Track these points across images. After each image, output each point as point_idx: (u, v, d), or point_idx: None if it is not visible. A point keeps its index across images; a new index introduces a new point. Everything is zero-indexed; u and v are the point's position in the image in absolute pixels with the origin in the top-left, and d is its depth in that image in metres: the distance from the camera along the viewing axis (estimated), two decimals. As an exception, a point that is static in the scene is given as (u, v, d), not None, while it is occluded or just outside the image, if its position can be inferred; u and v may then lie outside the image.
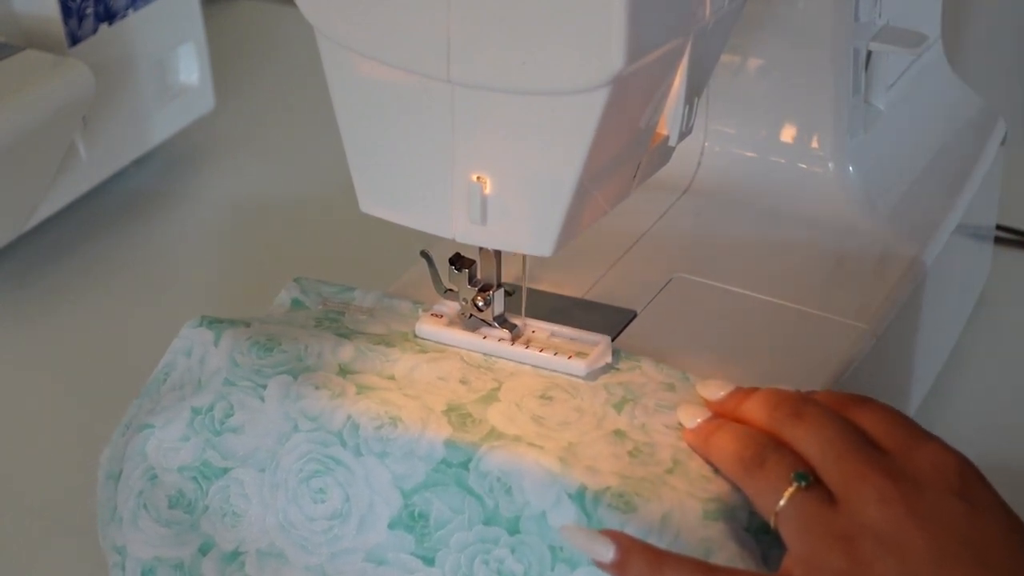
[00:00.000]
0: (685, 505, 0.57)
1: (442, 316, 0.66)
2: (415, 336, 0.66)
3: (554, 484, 0.58)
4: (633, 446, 0.60)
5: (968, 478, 0.55)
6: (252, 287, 0.91)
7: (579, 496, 0.57)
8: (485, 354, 0.65)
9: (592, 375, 0.64)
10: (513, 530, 0.58)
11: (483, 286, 0.65)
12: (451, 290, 0.66)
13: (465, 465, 0.59)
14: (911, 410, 0.78)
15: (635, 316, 0.69)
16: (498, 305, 0.65)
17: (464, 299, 0.66)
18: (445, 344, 0.66)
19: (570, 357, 0.64)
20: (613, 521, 0.56)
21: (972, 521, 0.53)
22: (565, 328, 0.66)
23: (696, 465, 0.59)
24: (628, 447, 0.59)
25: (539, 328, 0.66)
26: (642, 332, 0.68)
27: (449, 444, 0.59)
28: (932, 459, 0.55)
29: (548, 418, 0.61)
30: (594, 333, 0.65)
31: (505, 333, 0.65)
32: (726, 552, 0.56)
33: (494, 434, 0.60)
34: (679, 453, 0.59)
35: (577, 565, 0.57)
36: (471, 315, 0.66)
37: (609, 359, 0.64)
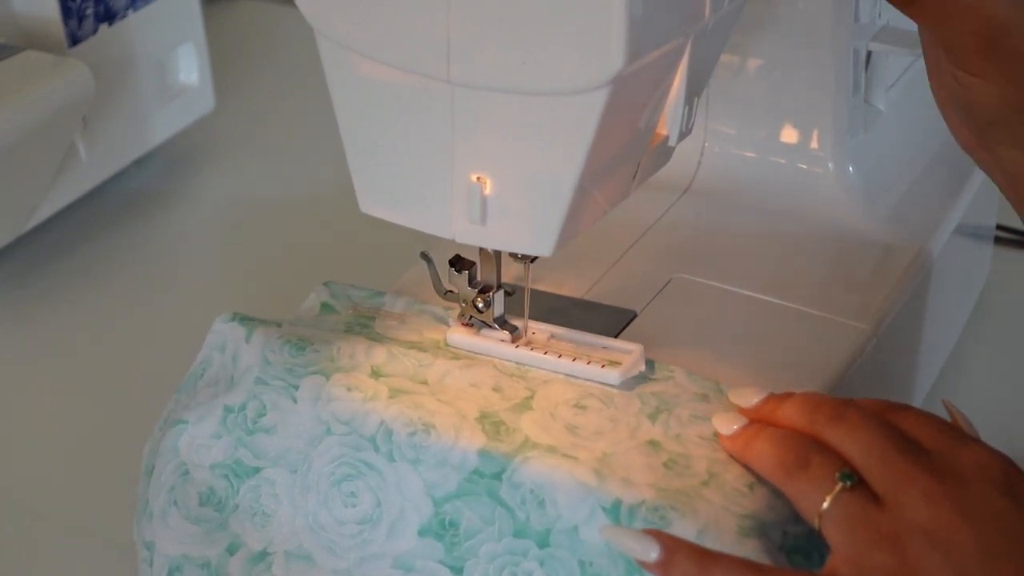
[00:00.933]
0: (720, 520, 0.56)
1: (473, 325, 0.66)
2: (447, 344, 0.66)
3: (588, 497, 0.57)
4: (668, 457, 0.59)
5: (1013, 477, 0.55)
6: (252, 287, 0.91)
7: (614, 509, 0.57)
8: (518, 363, 0.65)
9: (626, 384, 0.63)
10: (543, 543, 0.58)
11: (483, 287, 0.65)
12: (451, 291, 0.66)
13: (498, 476, 0.59)
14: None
15: (635, 316, 0.69)
16: (498, 306, 0.65)
17: (464, 300, 0.65)
18: (477, 353, 0.65)
19: (603, 366, 0.63)
20: None
21: (1018, 518, 0.53)
22: (566, 330, 0.66)
23: (731, 477, 0.58)
24: (663, 458, 0.59)
25: (539, 329, 0.66)
26: (642, 332, 0.68)
27: (483, 454, 0.59)
28: (976, 459, 0.55)
29: (582, 427, 0.60)
30: (627, 342, 0.65)
31: (505, 334, 0.65)
32: None
33: (528, 444, 0.59)
34: (714, 465, 0.59)
35: None
36: (471, 316, 0.65)
37: (643, 368, 0.64)
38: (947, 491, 0.54)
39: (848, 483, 0.55)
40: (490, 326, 0.65)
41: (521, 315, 0.66)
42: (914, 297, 0.73)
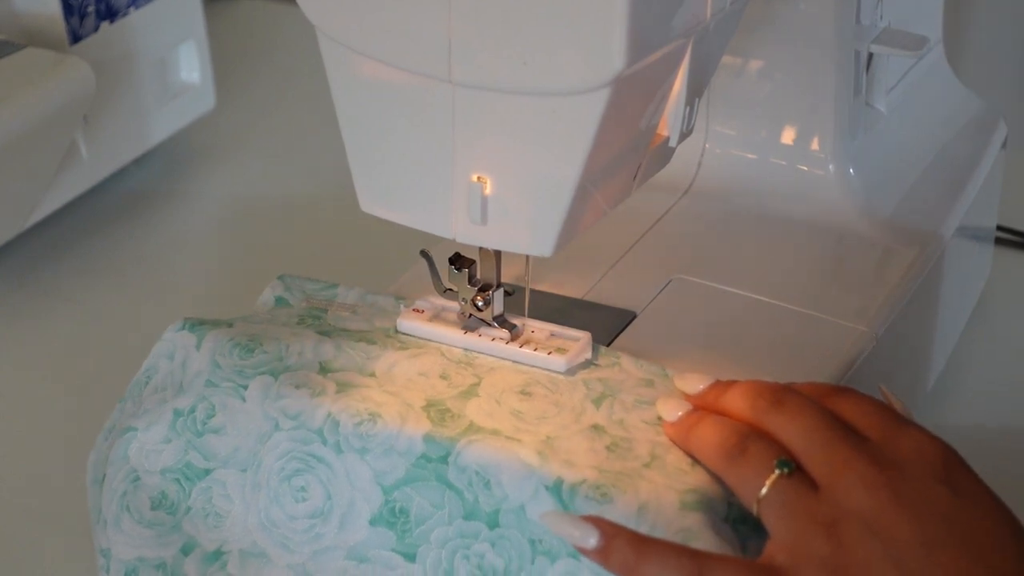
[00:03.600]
0: (662, 496, 0.57)
1: (423, 311, 0.66)
2: (396, 332, 0.66)
3: (531, 477, 0.58)
4: (611, 441, 0.60)
5: (951, 464, 0.55)
6: (252, 286, 0.90)
7: (556, 488, 0.57)
8: (466, 349, 0.65)
9: (572, 371, 0.64)
10: (493, 524, 0.58)
11: (483, 286, 0.65)
12: (451, 290, 0.66)
13: (444, 459, 0.59)
14: (912, 410, 0.78)
15: (634, 317, 0.69)
16: (498, 305, 0.65)
17: (464, 299, 0.65)
18: (426, 340, 0.66)
19: (550, 353, 0.64)
20: (590, 512, 0.57)
21: (956, 506, 0.53)
22: (567, 329, 0.66)
23: (674, 459, 0.59)
24: (606, 442, 0.60)
25: (539, 328, 0.66)
26: (641, 333, 0.68)
27: (428, 439, 0.60)
28: (915, 446, 0.55)
29: (527, 413, 0.61)
30: (575, 330, 0.65)
31: (504, 333, 0.65)
32: (703, 542, 0.56)
33: (472, 428, 0.60)
34: (657, 448, 0.59)
35: (557, 558, 0.57)
36: (471, 315, 0.65)
37: (589, 355, 0.64)
38: (885, 478, 0.54)
39: (785, 470, 0.55)
40: (489, 324, 0.65)
41: (521, 315, 0.66)
42: (914, 299, 0.73)
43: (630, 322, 0.69)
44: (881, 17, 0.78)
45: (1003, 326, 0.88)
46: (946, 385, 0.82)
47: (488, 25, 0.55)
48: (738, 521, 0.57)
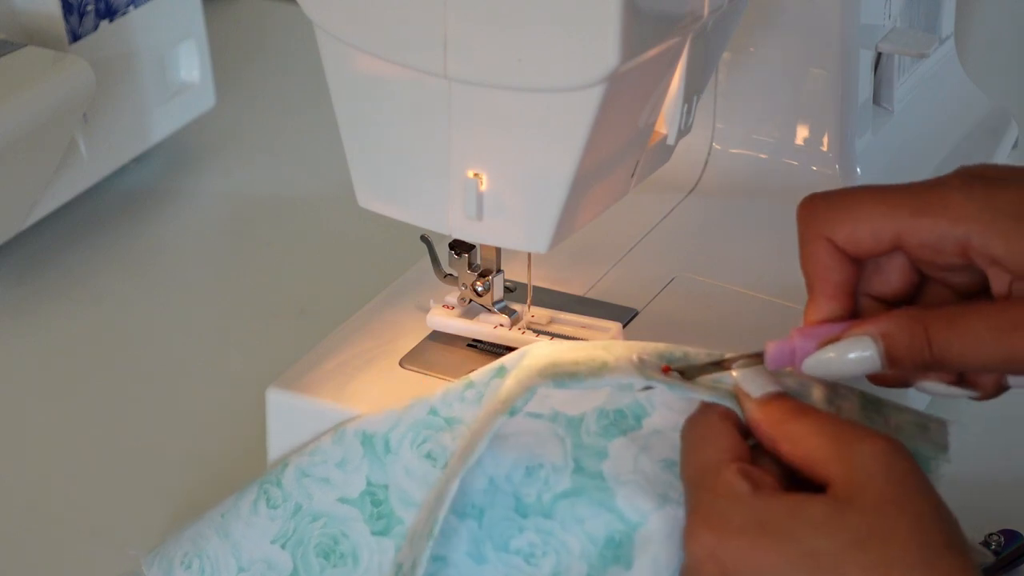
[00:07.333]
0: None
1: (453, 307, 0.66)
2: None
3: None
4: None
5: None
6: (252, 285, 0.91)
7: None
8: (494, 344, 0.65)
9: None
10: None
11: (483, 271, 0.66)
12: (451, 275, 0.66)
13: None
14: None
15: (636, 315, 0.69)
16: (498, 290, 0.66)
17: (464, 284, 0.66)
18: (455, 334, 0.66)
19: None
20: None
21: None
22: (566, 314, 0.66)
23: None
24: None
25: (539, 314, 0.66)
26: (641, 331, 0.68)
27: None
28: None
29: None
30: (606, 320, 0.65)
31: (504, 318, 0.65)
32: None
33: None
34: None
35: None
36: (470, 300, 0.66)
37: None
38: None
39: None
40: (489, 310, 0.65)
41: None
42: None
43: (631, 319, 0.69)
44: (890, 16, 0.78)
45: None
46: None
47: (483, 21, 0.56)
48: None
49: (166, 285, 0.93)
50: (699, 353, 0.58)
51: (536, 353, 0.58)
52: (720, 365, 0.57)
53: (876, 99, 0.80)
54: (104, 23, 0.94)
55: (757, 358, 0.56)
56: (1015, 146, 0.87)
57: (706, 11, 0.59)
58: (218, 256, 0.96)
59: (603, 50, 0.54)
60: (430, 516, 0.57)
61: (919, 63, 0.82)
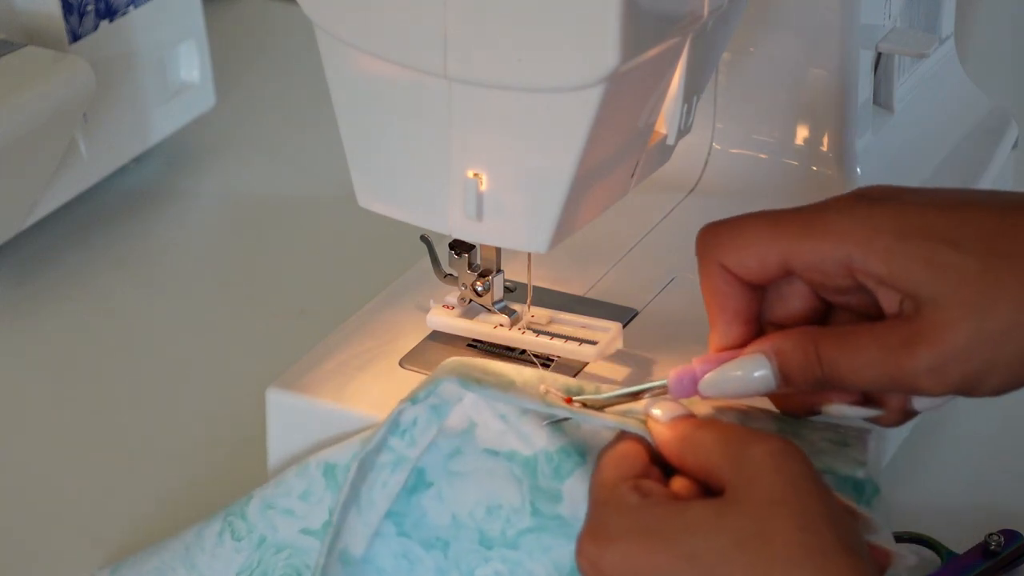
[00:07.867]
0: None
1: (453, 307, 0.67)
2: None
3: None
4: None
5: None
6: (253, 285, 0.91)
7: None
8: (494, 344, 0.65)
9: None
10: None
11: (483, 271, 0.66)
12: (451, 275, 0.66)
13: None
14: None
15: (635, 315, 0.69)
16: (497, 290, 0.66)
17: (464, 284, 0.66)
18: (455, 334, 0.66)
19: (580, 344, 0.64)
20: None
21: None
22: (566, 314, 0.66)
23: None
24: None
25: (539, 314, 0.66)
26: (640, 331, 0.68)
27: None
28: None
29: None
30: (606, 320, 0.65)
31: (504, 318, 0.65)
32: None
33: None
34: None
35: None
36: (470, 300, 0.66)
37: (620, 345, 0.64)
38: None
39: None
40: (489, 310, 0.66)
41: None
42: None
43: (631, 320, 0.69)
44: (890, 16, 0.78)
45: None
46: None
47: (483, 21, 0.56)
48: None
49: (166, 285, 0.93)
50: (612, 389, 0.59)
51: (452, 359, 0.60)
52: (629, 397, 0.58)
53: (876, 99, 0.79)
54: (104, 23, 0.94)
55: (663, 389, 0.57)
56: (1015, 146, 0.86)
57: (706, 11, 0.59)
58: (218, 256, 0.96)
59: (603, 50, 0.54)
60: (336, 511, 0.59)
61: (919, 63, 0.82)
